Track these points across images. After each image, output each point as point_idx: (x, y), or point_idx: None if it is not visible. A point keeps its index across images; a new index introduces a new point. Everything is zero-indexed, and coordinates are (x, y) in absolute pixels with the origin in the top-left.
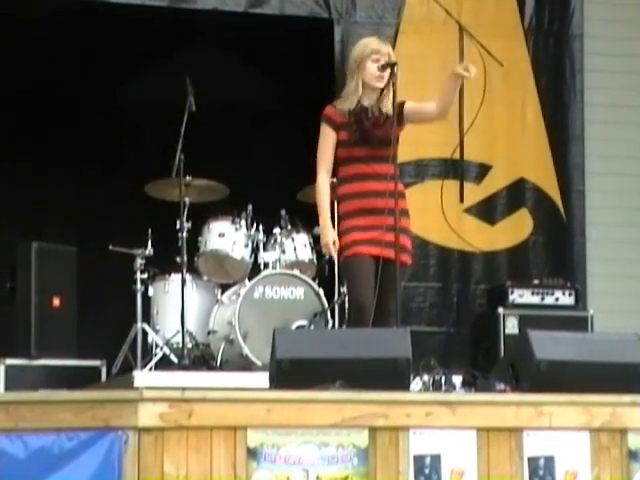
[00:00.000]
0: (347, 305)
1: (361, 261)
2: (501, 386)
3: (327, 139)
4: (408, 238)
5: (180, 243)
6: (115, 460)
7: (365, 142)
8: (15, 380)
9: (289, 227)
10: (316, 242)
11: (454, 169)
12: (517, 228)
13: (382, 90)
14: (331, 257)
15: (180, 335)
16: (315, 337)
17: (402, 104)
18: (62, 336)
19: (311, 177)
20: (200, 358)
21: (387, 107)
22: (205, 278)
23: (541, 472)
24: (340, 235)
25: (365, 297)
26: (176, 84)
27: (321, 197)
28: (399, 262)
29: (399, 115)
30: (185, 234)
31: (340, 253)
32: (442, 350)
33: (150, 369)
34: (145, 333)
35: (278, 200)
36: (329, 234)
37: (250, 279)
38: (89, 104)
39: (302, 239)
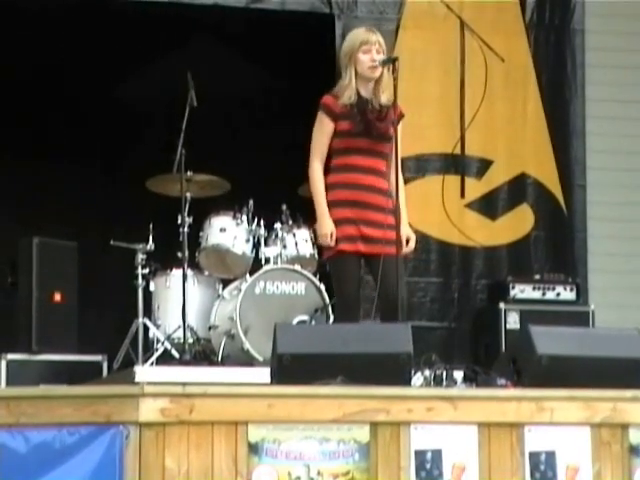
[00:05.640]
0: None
1: (345, 260)
2: (502, 381)
3: (324, 128)
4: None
5: (181, 238)
6: (116, 455)
7: (366, 134)
8: (16, 375)
9: (290, 222)
10: (315, 236)
11: (455, 164)
12: (518, 223)
13: (376, 82)
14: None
15: (181, 330)
16: (316, 332)
17: (401, 117)
18: (63, 331)
19: None
20: (201, 353)
21: (384, 99)
22: (206, 273)
23: (542, 467)
24: None
25: (351, 297)
26: (177, 79)
27: (316, 185)
28: (386, 254)
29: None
30: (186, 229)
31: (325, 247)
32: (443, 345)
33: (151, 364)
34: (146, 328)
35: (279, 195)
36: (327, 224)
37: (251, 274)
38: (90, 99)
39: (303, 234)
